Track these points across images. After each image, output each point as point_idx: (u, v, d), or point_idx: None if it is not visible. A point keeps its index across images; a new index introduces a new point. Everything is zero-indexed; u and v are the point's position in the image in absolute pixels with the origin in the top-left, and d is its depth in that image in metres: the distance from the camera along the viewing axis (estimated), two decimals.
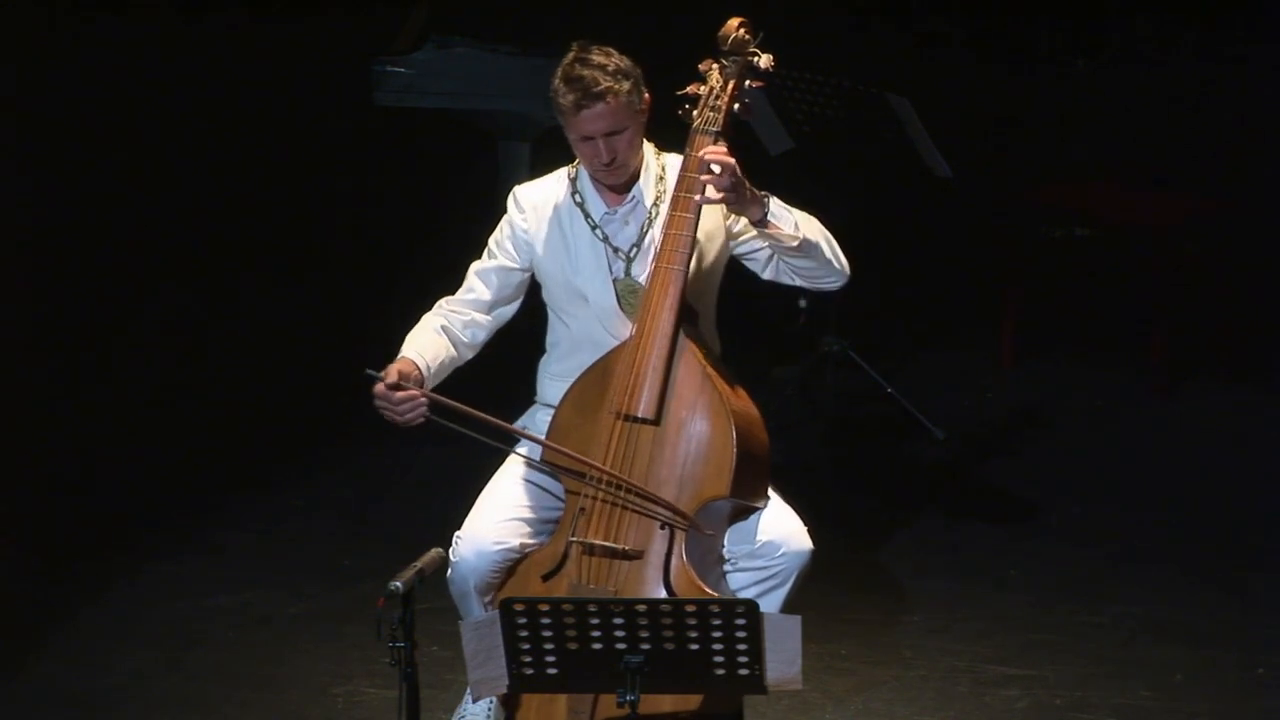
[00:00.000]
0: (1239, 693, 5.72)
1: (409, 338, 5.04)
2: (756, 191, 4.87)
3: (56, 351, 7.66)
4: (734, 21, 5.06)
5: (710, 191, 4.82)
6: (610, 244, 5.04)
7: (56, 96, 8.34)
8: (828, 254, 4.96)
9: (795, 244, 4.88)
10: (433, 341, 5.03)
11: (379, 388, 4.87)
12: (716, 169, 4.79)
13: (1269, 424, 7.41)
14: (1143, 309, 7.71)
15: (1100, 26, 9.27)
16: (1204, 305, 7.81)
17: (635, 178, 5.03)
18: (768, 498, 4.97)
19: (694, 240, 4.90)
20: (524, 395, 5.26)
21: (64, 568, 6.36)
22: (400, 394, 4.85)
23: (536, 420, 5.15)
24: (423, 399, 4.86)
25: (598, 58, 4.92)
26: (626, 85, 4.90)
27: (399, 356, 4.96)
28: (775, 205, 4.89)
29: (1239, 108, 8.99)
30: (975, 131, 8.66)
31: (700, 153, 4.87)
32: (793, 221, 4.90)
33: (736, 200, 4.84)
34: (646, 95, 4.97)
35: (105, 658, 5.89)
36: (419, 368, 4.93)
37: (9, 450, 6.91)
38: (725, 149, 4.86)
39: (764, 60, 5.05)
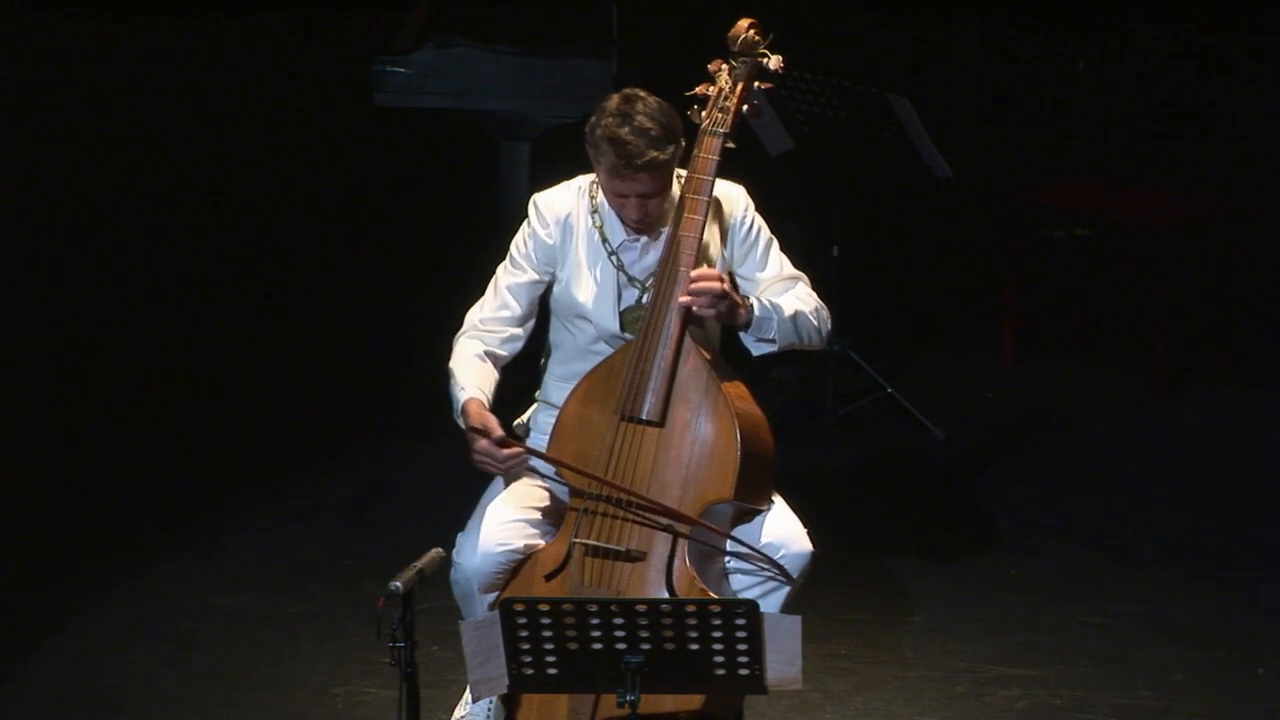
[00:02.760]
0: (1239, 693, 5.72)
1: (461, 373, 5.00)
2: (744, 300, 4.91)
3: (56, 351, 7.65)
4: (744, 22, 5.06)
5: (701, 310, 4.87)
6: (625, 272, 5.02)
7: (56, 96, 8.34)
8: (803, 341, 5.02)
9: (771, 350, 4.97)
10: (482, 373, 5.01)
11: (484, 444, 4.86)
12: (702, 298, 4.83)
13: (1269, 424, 7.41)
14: (1143, 309, 7.70)
15: (1100, 26, 9.26)
16: (1204, 305, 7.81)
17: (663, 216, 5.02)
18: (772, 500, 4.97)
19: (700, 242, 4.90)
20: (524, 395, 5.26)
21: (64, 568, 6.36)
22: (506, 452, 4.85)
23: (539, 420, 5.15)
24: (524, 456, 4.88)
25: (641, 117, 4.84)
26: (669, 150, 4.86)
27: (466, 397, 4.92)
28: (760, 311, 4.93)
29: (1239, 108, 8.98)
30: (975, 132, 8.66)
31: (692, 274, 4.85)
32: (774, 327, 4.94)
33: (723, 315, 4.89)
34: (683, 142, 4.94)
35: (105, 658, 5.89)
36: (491, 414, 4.94)
37: (9, 450, 6.91)
38: (714, 276, 4.86)
39: (773, 61, 5.06)
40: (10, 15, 7.70)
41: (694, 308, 4.85)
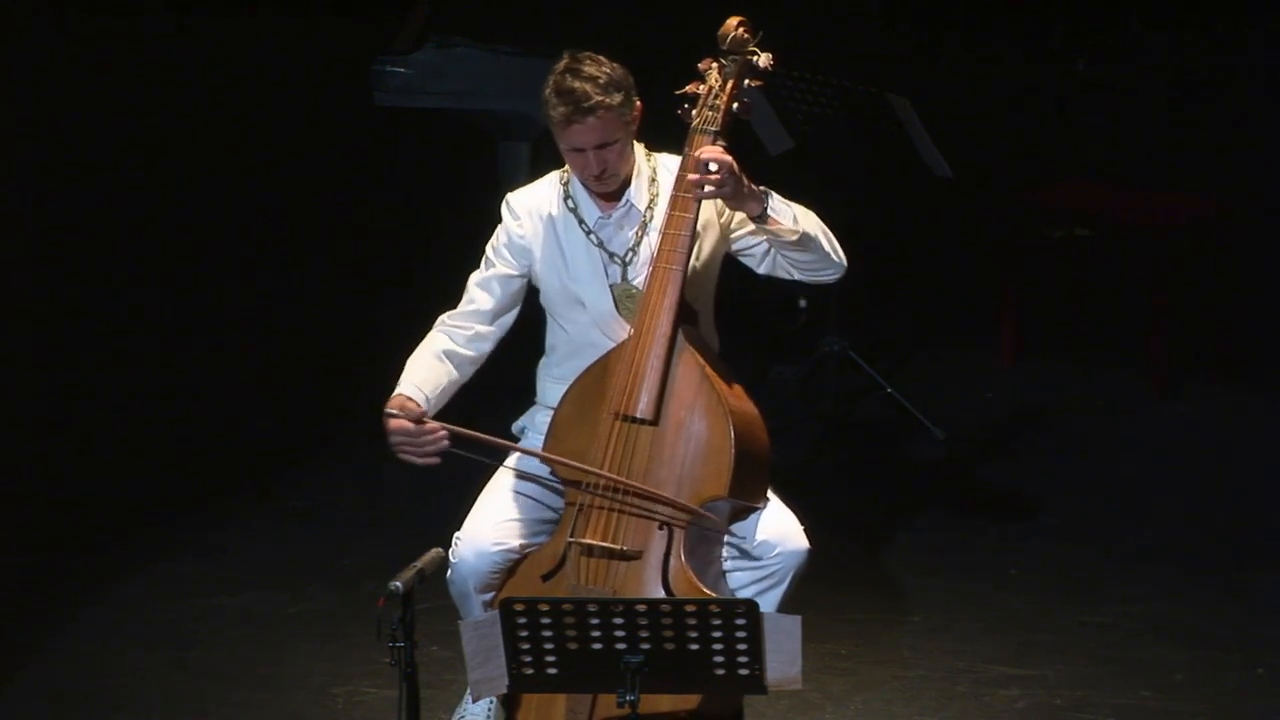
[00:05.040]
0: (1239, 693, 5.72)
1: (409, 366, 5.01)
2: (755, 187, 4.87)
3: (56, 351, 7.66)
4: (733, 20, 5.06)
5: (709, 187, 4.82)
6: (605, 249, 5.03)
7: (57, 96, 8.34)
8: (826, 247, 4.96)
9: (795, 238, 4.89)
10: (432, 370, 5.01)
11: (396, 424, 4.85)
12: (714, 167, 4.79)
13: (1269, 424, 7.41)
14: (1143, 309, 7.71)
15: (1100, 26, 9.27)
16: (1204, 305, 7.81)
17: (627, 183, 5.02)
18: (767, 498, 4.97)
19: (692, 240, 4.90)
20: (524, 396, 5.26)
21: (64, 568, 6.36)
22: (420, 428, 4.84)
23: (536, 421, 5.15)
24: (444, 433, 4.85)
25: (589, 68, 4.88)
26: (618, 98, 4.88)
27: (396, 391, 4.95)
28: (775, 200, 4.90)
29: (1239, 108, 8.99)
30: (975, 131, 8.66)
31: (697, 152, 4.86)
32: (791, 215, 4.90)
33: (735, 196, 4.85)
34: (638, 103, 4.96)
35: (105, 658, 5.89)
36: (418, 403, 4.92)
37: (9, 450, 6.91)
38: (722, 147, 4.86)
39: (763, 59, 5.05)
40: (10, 15, 7.70)
41: (705, 187, 4.80)
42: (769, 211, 4.88)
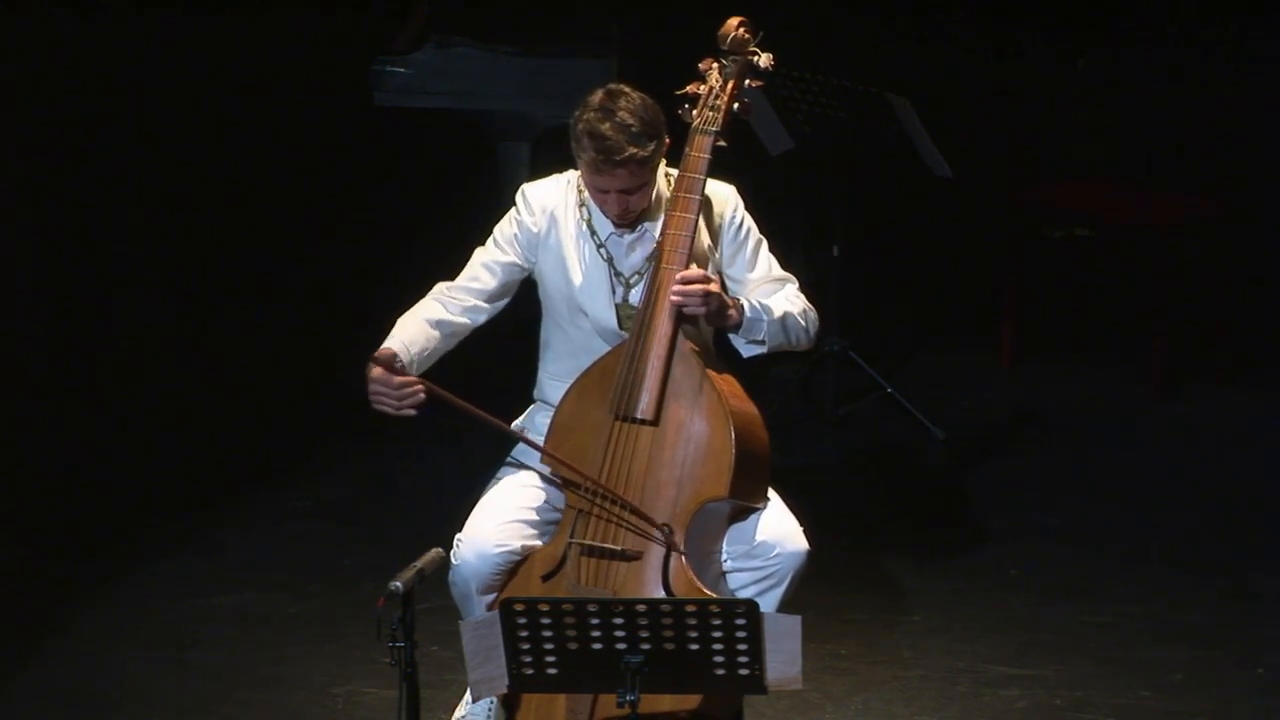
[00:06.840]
0: (1239, 693, 5.72)
1: (399, 324, 5.01)
2: (732, 302, 4.90)
3: (56, 351, 7.65)
4: (733, 20, 5.06)
5: (699, 308, 4.87)
6: (613, 266, 5.02)
7: (53, 96, 8.33)
8: (791, 341, 5.02)
9: (761, 350, 4.98)
10: (421, 331, 5.00)
11: (377, 371, 4.84)
12: (679, 298, 4.83)
13: (1269, 424, 7.41)
14: (1143, 309, 7.71)
15: (1101, 25, 9.26)
16: (1204, 305, 7.81)
17: (645, 213, 5.01)
18: (768, 498, 4.97)
19: (692, 240, 4.90)
20: (523, 396, 5.26)
21: (64, 568, 6.36)
22: (400, 379, 4.83)
23: (536, 421, 5.15)
24: (420, 388, 4.84)
25: (623, 113, 4.84)
26: (649, 147, 4.85)
27: (383, 346, 4.93)
28: (750, 312, 4.92)
29: (1239, 108, 8.98)
30: (975, 131, 8.65)
31: (679, 278, 4.85)
32: (764, 326, 4.93)
33: (717, 314, 4.89)
34: (666, 140, 4.94)
35: (105, 658, 5.89)
36: (401, 359, 4.91)
37: (9, 450, 6.91)
38: (700, 275, 4.86)
39: (764, 59, 5.06)
40: (9, 12, 7.70)
41: (683, 307, 4.85)
42: (742, 332, 4.94)
